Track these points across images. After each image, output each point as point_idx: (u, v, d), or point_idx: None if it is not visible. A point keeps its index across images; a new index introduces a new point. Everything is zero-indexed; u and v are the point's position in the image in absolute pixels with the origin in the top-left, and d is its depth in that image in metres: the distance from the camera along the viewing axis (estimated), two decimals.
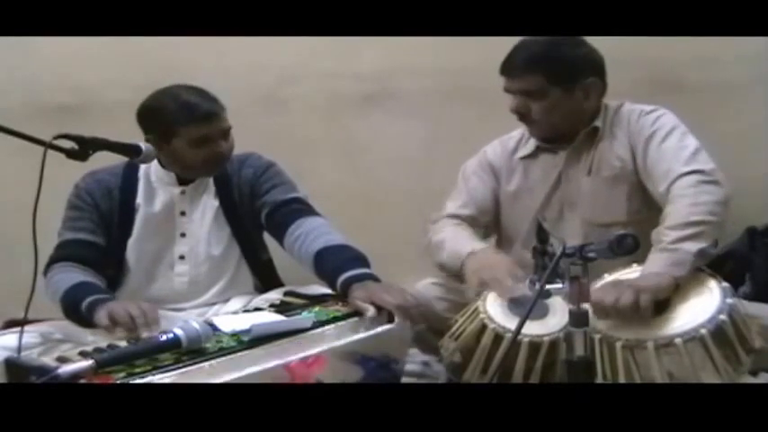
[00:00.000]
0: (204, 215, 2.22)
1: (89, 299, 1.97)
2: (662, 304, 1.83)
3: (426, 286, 2.19)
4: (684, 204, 1.93)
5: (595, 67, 2.20)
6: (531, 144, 2.29)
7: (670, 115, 2.16)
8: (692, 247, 1.85)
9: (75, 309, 1.99)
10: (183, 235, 2.22)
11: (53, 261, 2.13)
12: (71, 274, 2.09)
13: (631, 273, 1.91)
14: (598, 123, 2.20)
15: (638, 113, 2.19)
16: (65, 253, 2.14)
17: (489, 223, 2.34)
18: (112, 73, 2.83)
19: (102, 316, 1.89)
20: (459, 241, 2.19)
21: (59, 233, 2.19)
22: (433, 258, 2.24)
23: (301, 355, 1.67)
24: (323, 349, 1.71)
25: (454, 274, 2.15)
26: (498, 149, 2.35)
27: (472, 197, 2.32)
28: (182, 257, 2.21)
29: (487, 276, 2.00)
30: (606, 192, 2.17)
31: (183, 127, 2.10)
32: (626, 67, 2.59)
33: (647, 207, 2.14)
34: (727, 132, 2.58)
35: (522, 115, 2.18)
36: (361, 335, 1.80)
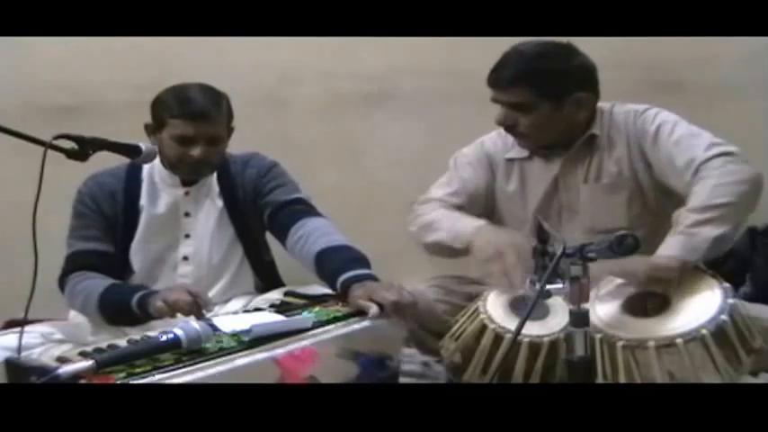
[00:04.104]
0: (208, 216, 2.22)
1: (138, 294, 1.97)
2: (662, 304, 1.83)
3: (426, 288, 2.15)
4: (708, 186, 1.90)
5: (587, 79, 2.12)
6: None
7: (665, 111, 2.13)
8: (711, 232, 1.83)
9: (123, 307, 1.98)
10: (187, 236, 2.21)
11: (68, 272, 2.12)
12: (96, 280, 2.08)
13: None
14: (596, 131, 2.14)
15: (633, 114, 2.14)
16: (78, 263, 2.13)
17: (479, 216, 2.20)
18: (112, 73, 2.83)
19: (159, 305, 1.89)
20: (456, 220, 2.11)
21: (69, 243, 2.17)
22: (424, 239, 2.16)
23: (290, 347, 1.67)
24: (311, 342, 1.71)
25: (451, 253, 2.08)
26: (499, 144, 2.27)
27: (465, 187, 2.24)
28: (185, 258, 2.20)
29: (496, 269, 1.89)
30: (606, 199, 2.13)
31: (170, 119, 2.10)
32: (626, 68, 2.60)
33: (648, 212, 2.12)
34: (727, 132, 2.58)
35: (509, 127, 2.14)
36: (350, 328, 1.79)
